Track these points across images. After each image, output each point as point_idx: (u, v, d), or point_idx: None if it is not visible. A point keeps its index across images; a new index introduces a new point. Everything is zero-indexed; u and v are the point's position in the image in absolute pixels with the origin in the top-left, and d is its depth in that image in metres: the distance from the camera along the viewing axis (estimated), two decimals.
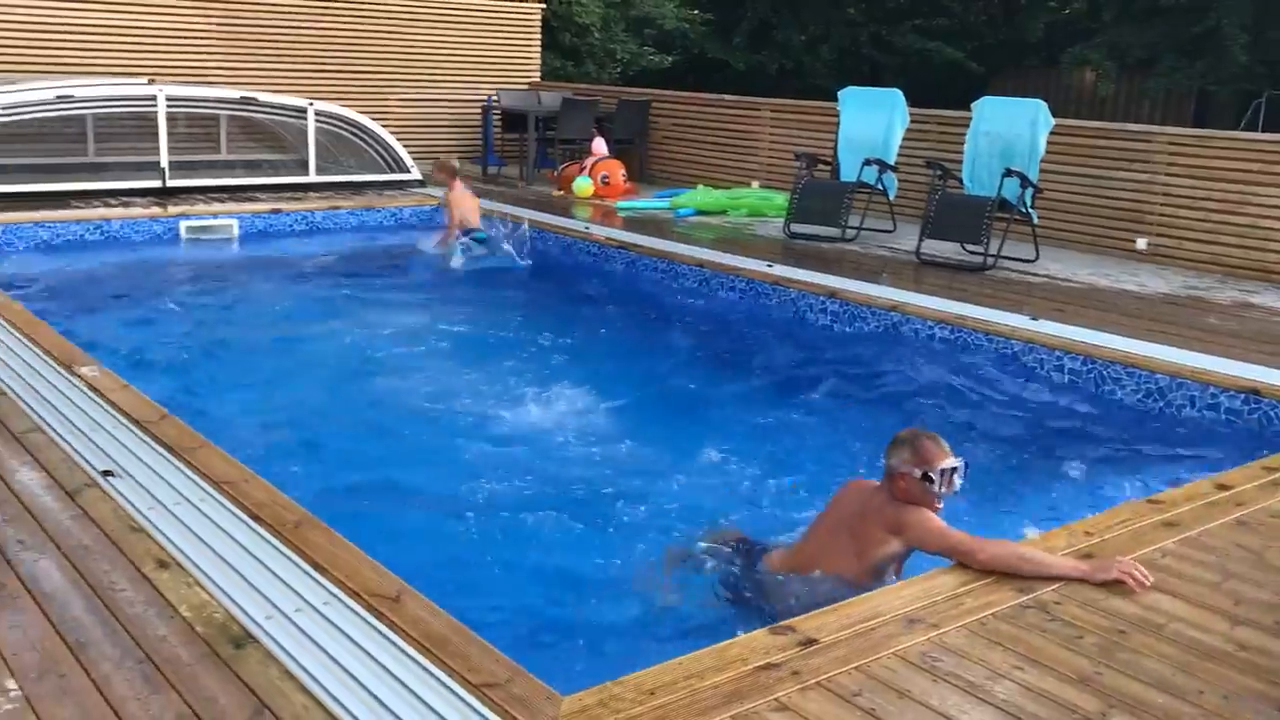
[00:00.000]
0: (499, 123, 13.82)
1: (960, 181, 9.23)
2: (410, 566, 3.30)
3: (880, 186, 9.73)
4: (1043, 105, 8.84)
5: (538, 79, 15.12)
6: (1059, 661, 2.90)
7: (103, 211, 9.51)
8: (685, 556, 3.94)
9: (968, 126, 9.29)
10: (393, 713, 2.53)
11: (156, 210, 9.76)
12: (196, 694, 2.58)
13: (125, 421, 4.37)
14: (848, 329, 7.24)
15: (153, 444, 4.14)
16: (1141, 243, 9.20)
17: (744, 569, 3.82)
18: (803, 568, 3.71)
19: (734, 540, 3.95)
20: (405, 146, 12.04)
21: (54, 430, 4.26)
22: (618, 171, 11.84)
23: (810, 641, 2.92)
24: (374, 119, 12.04)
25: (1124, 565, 3.38)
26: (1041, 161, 8.85)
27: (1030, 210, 8.80)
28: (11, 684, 2.59)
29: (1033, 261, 8.77)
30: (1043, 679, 2.81)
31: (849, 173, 9.88)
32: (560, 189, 12.00)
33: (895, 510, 3.62)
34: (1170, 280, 8.39)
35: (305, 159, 11.38)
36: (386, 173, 11.77)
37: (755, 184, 12.11)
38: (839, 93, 10.28)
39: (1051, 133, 8.85)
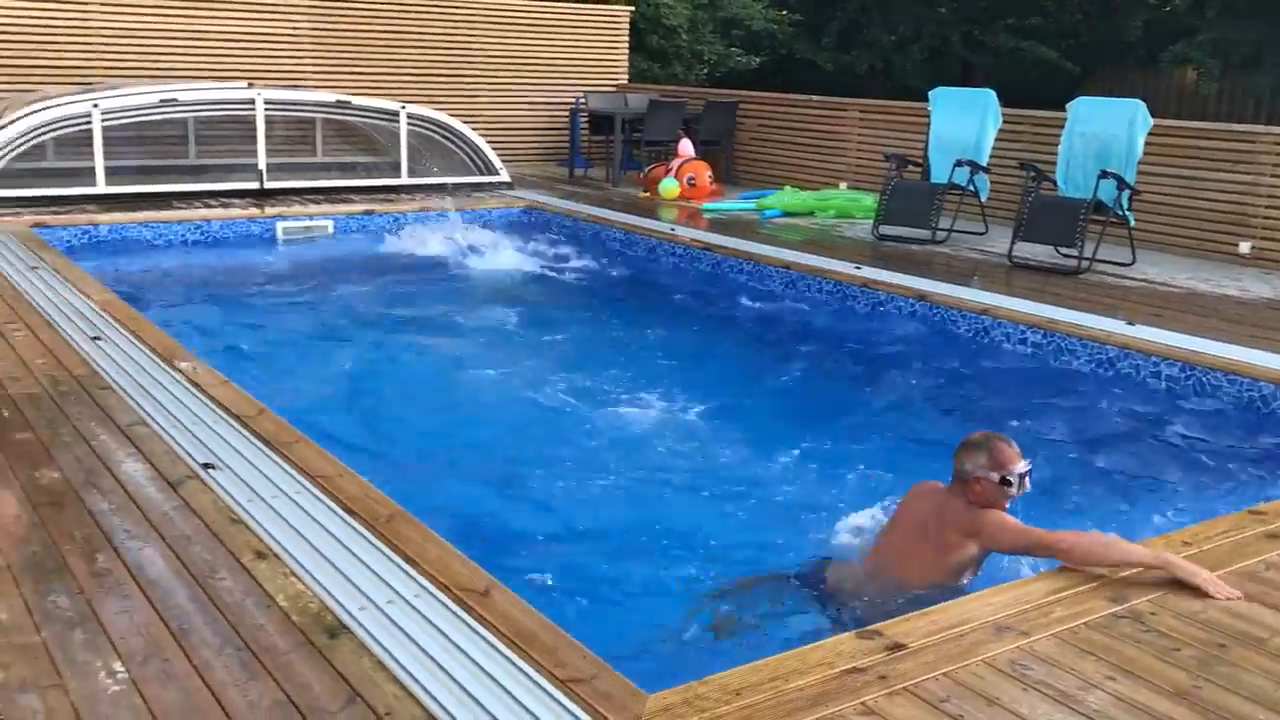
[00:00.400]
0: (586, 125, 13.92)
1: (1054, 183, 9.06)
2: (497, 562, 3.35)
3: (972, 188, 9.59)
4: (1141, 105, 8.64)
5: (625, 81, 15.20)
6: (1154, 673, 2.83)
7: (203, 212, 9.80)
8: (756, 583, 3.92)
9: (1062, 127, 9.11)
10: (481, 705, 2.57)
11: (254, 211, 10.02)
12: (292, 681, 2.65)
13: (225, 416, 4.50)
14: (937, 332, 7.15)
15: (251, 438, 4.26)
16: (1245, 246, 8.93)
17: (810, 586, 3.79)
18: (879, 575, 3.69)
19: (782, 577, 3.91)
20: (494, 148, 12.19)
21: (157, 423, 4.41)
22: (704, 173, 11.84)
23: (898, 646, 2.90)
24: (464, 121, 12.21)
25: (1213, 576, 3.31)
26: (1139, 163, 8.64)
27: (1127, 213, 8.60)
28: (119, 666, 2.69)
29: (1129, 265, 8.57)
30: (1136, 690, 2.75)
31: (940, 174, 9.76)
32: (646, 191, 12.04)
33: (972, 514, 3.60)
34: (1275, 285, 8.13)
35: (397, 161, 11.59)
36: (476, 175, 11.93)
37: (843, 185, 12.02)
38: (930, 93, 10.16)
39: (1150, 133, 8.63)
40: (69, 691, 2.58)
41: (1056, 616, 3.10)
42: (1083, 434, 5.61)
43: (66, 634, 2.83)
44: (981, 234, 9.79)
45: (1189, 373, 5.93)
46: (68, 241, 8.92)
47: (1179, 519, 4.39)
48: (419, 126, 11.65)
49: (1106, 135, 8.73)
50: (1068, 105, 9.17)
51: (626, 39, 15.27)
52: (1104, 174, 8.44)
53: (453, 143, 11.89)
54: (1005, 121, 9.75)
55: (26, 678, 2.63)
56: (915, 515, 3.76)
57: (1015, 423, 5.76)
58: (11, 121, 9.71)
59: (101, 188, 10.05)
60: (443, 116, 11.87)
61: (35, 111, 9.83)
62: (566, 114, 14.30)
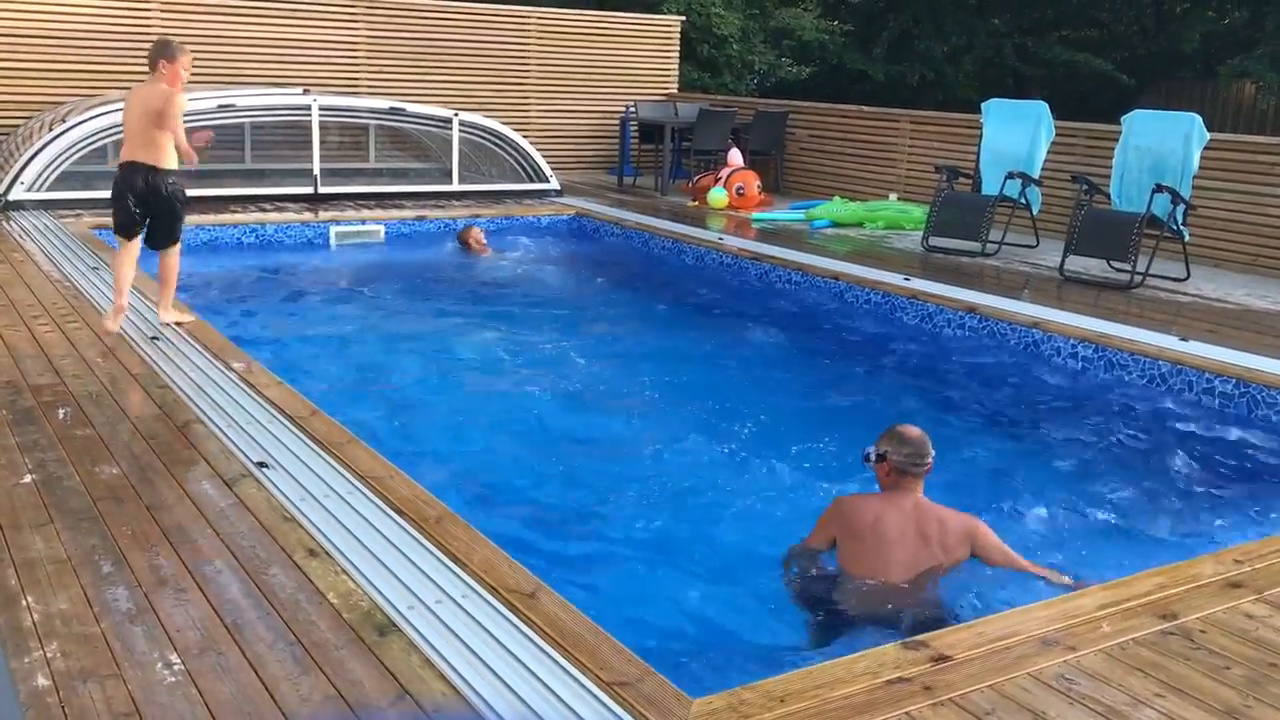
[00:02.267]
0: (636, 133, 13.97)
1: (1108, 197, 8.97)
2: (545, 565, 3.38)
3: (1023, 201, 9.52)
4: (1197, 119, 8.53)
5: (675, 90, 15.24)
6: (1204, 691, 2.81)
7: (258, 216, 9.96)
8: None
9: (1116, 140, 9.02)
10: (528, 705, 2.61)
11: (308, 216, 10.16)
12: (343, 677, 2.70)
13: (278, 416, 4.58)
14: (986, 345, 7.10)
15: (304, 438, 4.33)
16: None
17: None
18: (910, 591, 3.72)
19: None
20: (544, 156, 12.27)
21: (213, 422, 4.49)
22: (753, 182, 11.84)
23: (943, 658, 2.89)
24: (515, 129, 12.31)
25: None
26: (1195, 177, 8.53)
27: (1182, 228, 8.50)
28: (175, 658, 2.75)
29: (1183, 280, 8.46)
30: (1186, 708, 2.72)
31: (991, 186, 9.70)
32: (695, 200, 12.06)
33: (964, 517, 3.86)
34: None
35: (449, 168, 11.70)
36: (526, 182, 12.02)
37: (893, 196, 11.97)
38: (982, 104, 10.10)
39: (1206, 147, 8.53)
40: (126, 681, 2.65)
41: (1104, 632, 3.08)
42: (1134, 450, 5.55)
43: (125, 626, 2.90)
44: (1033, 247, 9.72)
45: (1243, 390, 5.85)
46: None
47: (1230, 536, 4.33)
48: (471, 133, 11.77)
49: (1162, 149, 8.63)
50: (1122, 118, 9.08)
51: (677, 48, 15.32)
52: (1159, 188, 8.35)
53: (504, 150, 11.99)
54: (1058, 134, 9.68)
55: (87, 667, 2.70)
56: (903, 526, 3.77)
57: (1065, 437, 5.71)
58: (75, 125, 9.93)
59: None
60: (494, 124, 11.98)
61: (97, 115, 10.04)
62: (617, 122, 14.37)
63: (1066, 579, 3.78)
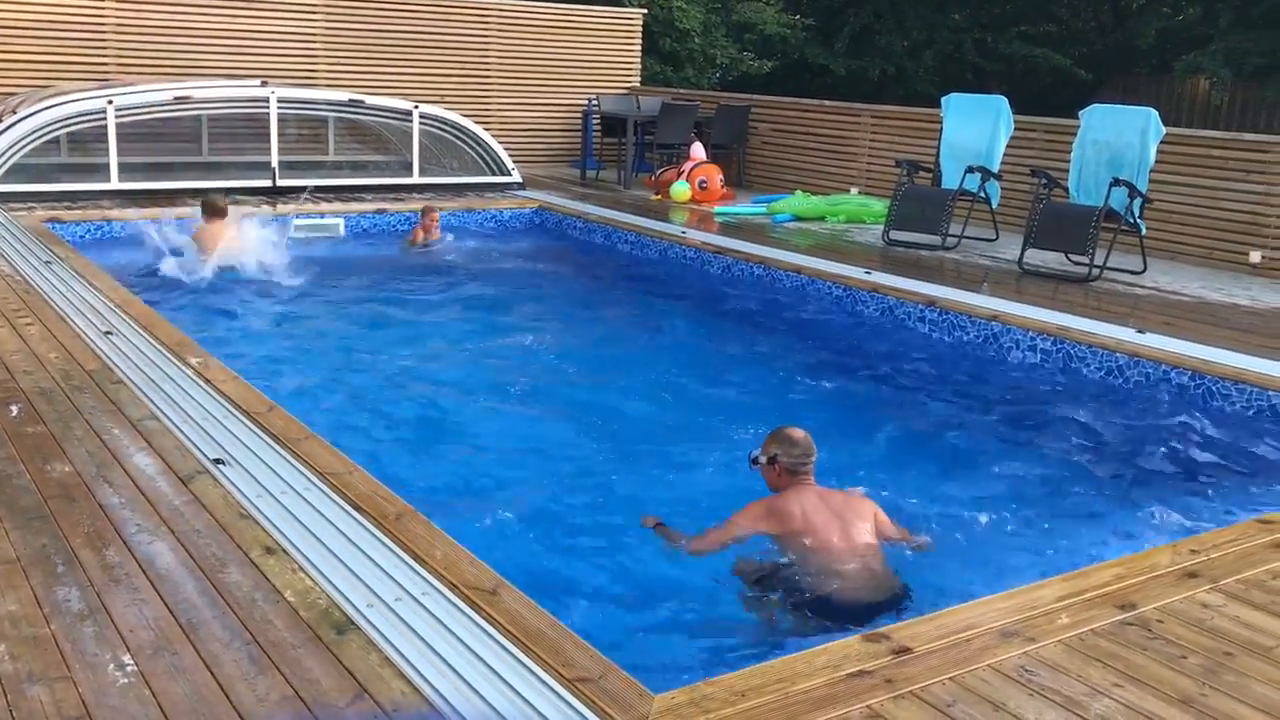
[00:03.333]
0: (598, 127, 13.93)
1: (1066, 190, 9.05)
2: (506, 562, 3.36)
3: (983, 195, 9.58)
4: (1153, 114, 8.62)
5: (637, 83, 15.22)
6: (1161, 681, 2.83)
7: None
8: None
9: (1074, 134, 9.10)
10: (488, 703, 2.58)
11: (267, 209, 10.05)
12: (300, 676, 2.66)
13: (235, 412, 4.52)
14: (945, 338, 7.14)
15: (261, 434, 4.27)
16: (1256, 256, 8.91)
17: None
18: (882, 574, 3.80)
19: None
20: (506, 149, 12.21)
21: (168, 418, 4.42)
22: (715, 176, 11.85)
23: (904, 650, 2.90)
24: (476, 122, 12.24)
25: None
26: (1151, 171, 8.63)
27: (1138, 221, 8.59)
28: (128, 659, 2.70)
29: (1140, 273, 8.55)
30: (1144, 698, 2.74)
31: (951, 180, 9.75)
32: (658, 193, 12.05)
33: (857, 492, 4.16)
34: None
35: (409, 161, 11.62)
36: (487, 175, 11.96)
37: (854, 190, 12.02)
38: (942, 99, 10.15)
39: (1162, 142, 8.62)
40: (78, 683, 2.60)
41: (1063, 623, 3.10)
42: (1091, 441, 5.60)
43: (76, 626, 2.85)
44: (992, 240, 9.79)
45: (1199, 381, 5.92)
46: (81, 237, 8.96)
47: (1187, 527, 4.38)
48: (431, 126, 11.69)
49: (1119, 143, 8.71)
50: (1080, 113, 9.16)
51: (639, 42, 15.29)
52: (1116, 182, 8.43)
53: (465, 143, 11.92)
54: (1017, 128, 9.74)
55: (35, 669, 2.64)
56: (825, 515, 3.86)
57: (1022, 429, 5.76)
58: (26, 116, 9.76)
59: (115, 184, 10.09)
60: (455, 116, 11.90)
61: (50, 107, 9.88)
62: (579, 116, 14.33)
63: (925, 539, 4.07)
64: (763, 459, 4.01)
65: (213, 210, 8.64)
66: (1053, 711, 2.66)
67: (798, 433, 4.01)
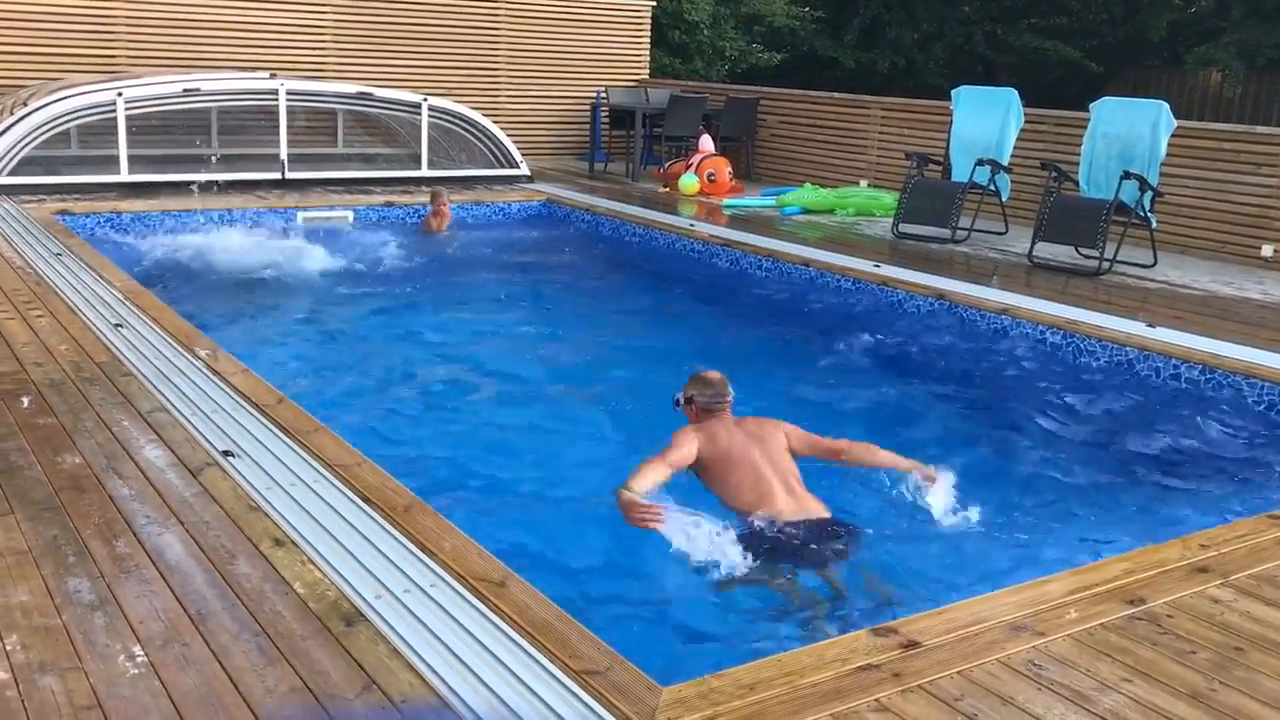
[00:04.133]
0: (606, 119, 13.92)
1: (1076, 184, 9.02)
2: (514, 553, 3.36)
3: (993, 187, 9.55)
4: (1164, 106, 8.59)
5: (646, 76, 15.19)
6: (1171, 676, 2.82)
7: (224, 201, 9.84)
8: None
9: (1085, 127, 9.07)
10: (496, 694, 2.59)
11: (275, 201, 10.06)
12: (309, 668, 2.67)
13: (244, 404, 4.53)
14: (957, 330, 7.13)
15: (270, 426, 4.28)
16: (1268, 249, 8.88)
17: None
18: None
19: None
20: (514, 142, 12.20)
21: (178, 410, 4.43)
22: (724, 169, 11.83)
23: (912, 644, 2.90)
24: (485, 115, 12.23)
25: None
26: (1162, 164, 8.59)
27: (1149, 214, 8.56)
28: (138, 650, 2.71)
29: (1150, 267, 8.53)
30: (1153, 693, 2.74)
31: (961, 173, 9.73)
32: (666, 186, 12.04)
33: (764, 418, 4.49)
34: None
35: (418, 153, 11.62)
36: (496, 168, 11.95)
37: (863, 183, 12.00)
38: (952, 91, 10.12)
39: (1173, 135, 8.59)
40: (88, 674, 2.61)
41: (1072, 618, 3.10)
42: (1102, 435, 5.59)
43: (87, 617, 2.86)
44: (1002, 234, 9.76)
45: (1209, 375, 5.90)
46: (90, 229, 8.98)
47: (1197, 521, 4.37)
48: (440, 119, 11.68)
49: (1130, 136, 8.68)
50: (1091, 105, 9.12)
51: (648, 34, 15.27)
52: (1126, 175, 8.40)
53: (474, 136, 11.91)
54: (1027, 121, 9.71)
55: (47, 660, 2.65)
56: (744, 441, 4.24)
57: (1033, 423, 5.74)
58: (37, 109, 9.78)
59: (124, 176, 10.11)
60: (464, 109, 11.90)
61: (60, 99, 9.90)
62: (587, 108, 14.31)
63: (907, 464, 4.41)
64: (682, 399, 4.47)
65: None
66: (1061, 705, 2.66)
67: (713, 375, 4.48)
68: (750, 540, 3.87)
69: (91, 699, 2.51)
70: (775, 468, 4.18)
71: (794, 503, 4.06)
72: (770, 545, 3.87)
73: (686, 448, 4.20)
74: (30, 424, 4.24)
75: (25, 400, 4.50)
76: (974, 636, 2.96)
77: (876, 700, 2.64)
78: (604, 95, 13.86)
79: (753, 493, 4.07)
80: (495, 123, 12.27)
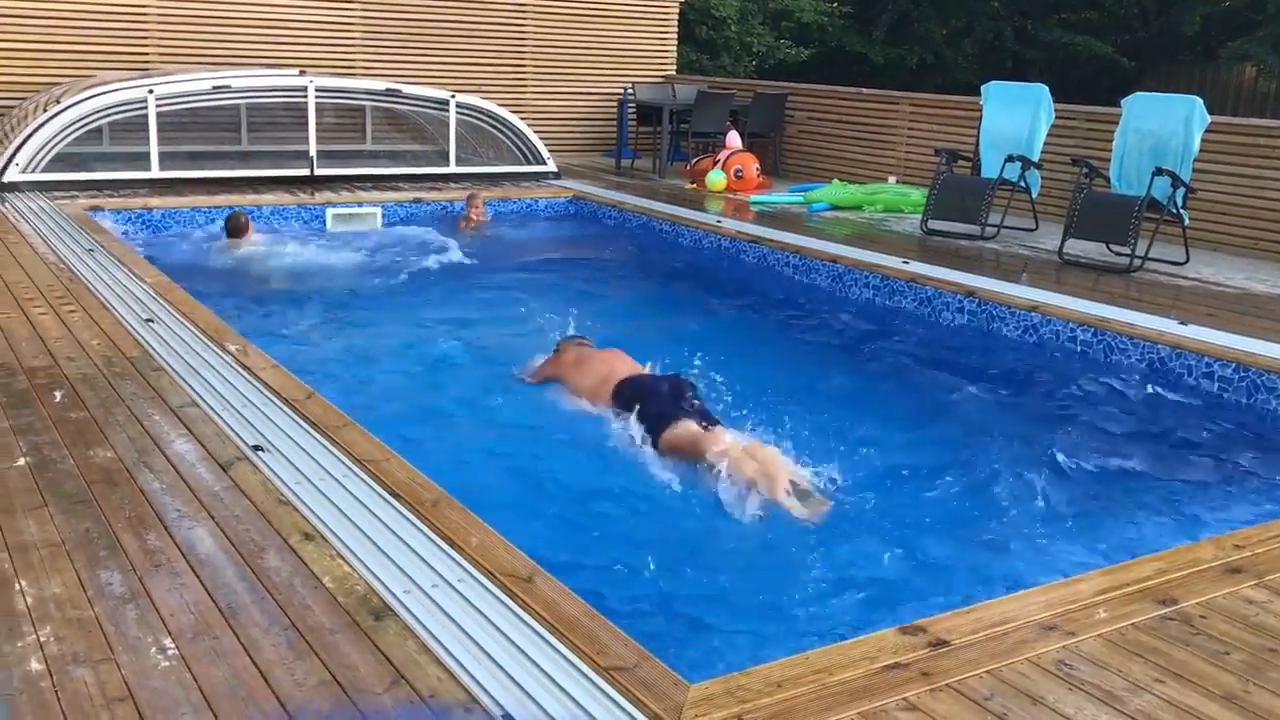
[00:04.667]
0: (633, 115, 13.91)
1: (1107, 180, 8.94)
2: (542, 548, 3.36)
3: (1023, 184, 9.48)
4: (1198, 101, 8.49)
5: (673, 72, 15.17)
6: (1204, 677, 2.80)
7: (254, 198, 9.91)
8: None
9: (1116, 123, 8.98)
10: (524, 690, 2.59)
11: (304, 198, 10.12)
12: (338, 662, 2.68)
13: (274, 399, 4.56)
14: (984, 328, 7.08)
15: (300, 421, 4.31)
16: None
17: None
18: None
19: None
20: (541, 138, 12.22)
21: (208, 405, 4.47)
22: (751, 165, 11.80)
23: (941, 643, 2.88)
24: (512, 111, 12.25)
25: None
26: (1195, 160, 8.50)
27: (1181, 211, 8.47)
28: (169, 642, 2.74)
29: (1183, 264, 8.44)
30: (1185, 694, 2.71)
31: (990, 169, 9.66)
32: (693, 182, 12.02)
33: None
34: None
35: (446, 150, 11.65)
36: (523, 164, 11.97)
37: (892, 179, 11.93)
38: (982, 87, 10.06)
39: (1207, 130, 8.49)
40: (120, 665, 2.63)
41: (1103, 617, 3.07)
42: (1129, 433, 5.54)
43: (119, 609, 2.88)
44: (1032, 230, 9.69)
45: (1242, 374, 5.84)
46: (122, 225, 9.07)
47: (1231, 521, 4.32)
48: (468, 115, 11.71)
49: (1162, 132, 8.59)
50: (1122, 101, 9.04)
51: (675, 30, 15.24)
52: (1159, 171, 8.32)
53: (501, 132, 11.93)
54: (1058, 117, 9.64)
55: (80, 651, 2.68)
56: (607, 355, 5.64)
57: (1063, 421, 5.70)
58: (69, 106, 9.87)
59: (155, 172, 10.20)
60: (491, 106, 11.92)
61: (92, 96, 9.99)
62: (614, 104, 14.30)
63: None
64: (559, 339, 5.98)
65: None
66: (1092, 706, 2.64)
67: (577, 337, 5.96)
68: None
69: (123, 690, 2.53)
70: (628, 366, 5.49)
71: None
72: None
73: (556, 366, 5.71)
74: (63, 418, 4.28)
75: (58, 394, 4.55)
76: (1003, 636, 2.94)
77: (905, 699, 2.62)
78: (631, 91, 13.85)
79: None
80: (522, 119, 12.28)
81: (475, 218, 10.19)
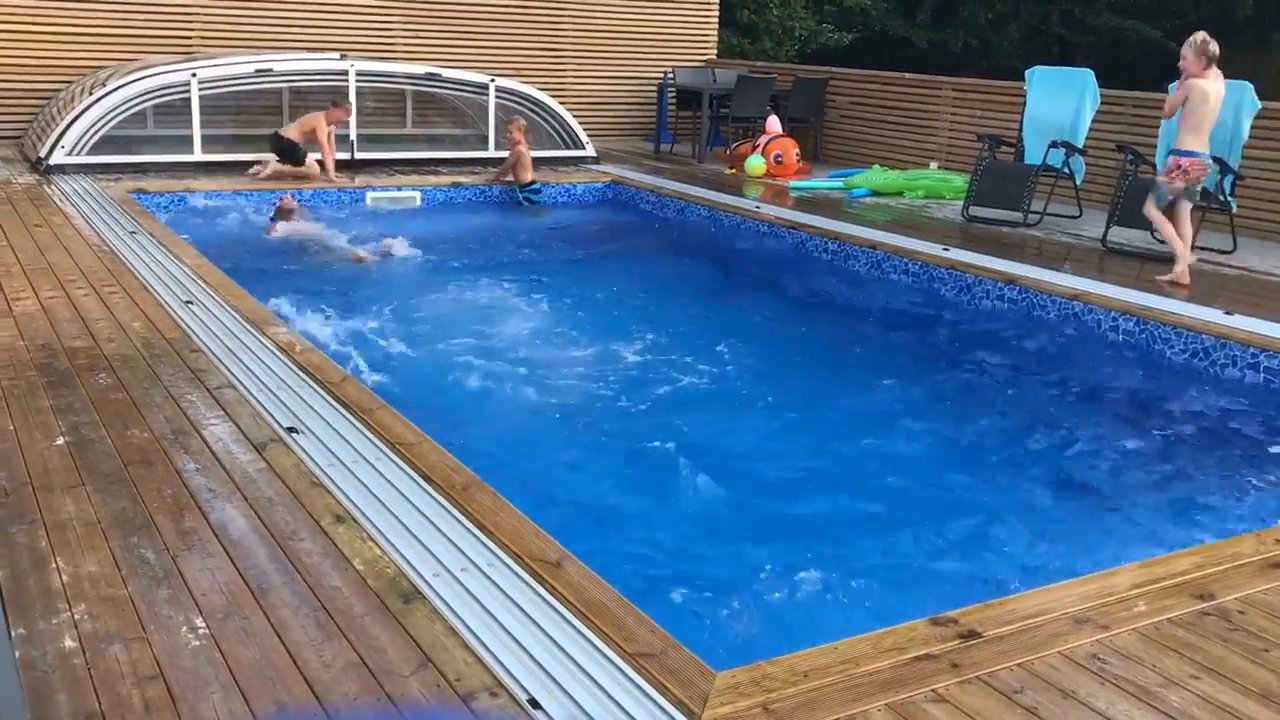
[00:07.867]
0: (673, 100, 13.85)
1: (1153, 167, 8.78)
2: (571, 533, 3.36)
3: (1067, 170, 9.35)
4: (1248, 87, 8.33)
5: (714, 56, 15.08)
6: (1241, 674, 2.74)
7: (294, 182, 9.96)
8: None
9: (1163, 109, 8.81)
10: (550, 675, 2.59)
11: (345, 181, 10.17)
12: (366, 644, 2.70)
13: (309, 381, 4.59)
14: (1027, 315, 7.00)
15: (334, 404, 4.33)
16: None
17: None
18: None
19: None
20: (581, 123, 12.19)
21: (244, 387, 4.50)
22: (791, 150, 11.72)
23: (972, 634, 2.85)
24: (551, 95, 12.23)
25: None
26: (1244, 147, 8.34)
27: (1229, 199, 8.31)
28: (200, 622, 2.76)
29: (1230, 253, 8.29)
30: (1222, 691, 2.66)
31: (1034, 155, 9.53)
32: (732, 167, 11.96)
33: None
34: None
35: (485, 134, 11.67)
36: (562, 149, 11.96)
37: (933, 165, 11.80)
38: (1026, 72, 9.91)
39: (1257, 116, 8.32)
40: (152, 644, 2.66)
41: (1139, 611, 3.02)
42: (1173, 424, 5.45)
43: (152, 588, 2.91)
44: (1076, 218, 9.55)
45: None
46: (165, 207, 9.16)
47: (1274, 516, 4.25)
48: (507, 99, 11.71)
49: None
50: (1170, 86, 8.86)
51: (716, 14, 15.14)
52: None
53: (540, 116, 11.92)
54: (1104, 102, 9.48)
55: (114, 629, 2.71)
56: None
57: (1106, 411, 5.63)
58: (114, 89, 9.98)
59: (198, 155, 10.29)
60: (531, 90, 11.91)
61: (136, 80, 10.09)
62: (654, 89, 14.25)
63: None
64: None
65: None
66: (1125, 701, 2.60)
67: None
68: None
69: (155, 669, 2.56)
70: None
71: None
72: None
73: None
74: (102, 398, 4.33)
75: (98, 375, 4.60)
76: (1036, 628, 2.90)
77: (934, 691, 2.60)
78: (671, 76, 13.79)
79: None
80: (561, 103, 12.27)
81: (518, 148, 10.30)
